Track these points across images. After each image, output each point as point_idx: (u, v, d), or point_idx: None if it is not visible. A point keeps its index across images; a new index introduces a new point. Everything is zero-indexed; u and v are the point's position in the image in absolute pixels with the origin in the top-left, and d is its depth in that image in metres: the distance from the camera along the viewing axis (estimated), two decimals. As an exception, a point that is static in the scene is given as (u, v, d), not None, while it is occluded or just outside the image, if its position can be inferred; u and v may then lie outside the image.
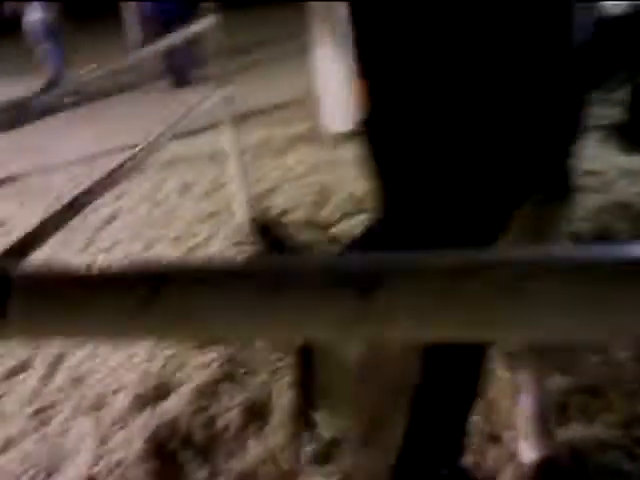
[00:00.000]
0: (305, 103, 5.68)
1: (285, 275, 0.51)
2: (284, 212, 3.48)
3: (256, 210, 3.43)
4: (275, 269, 0.52)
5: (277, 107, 5.86)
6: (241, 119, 3.36)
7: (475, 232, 1.03)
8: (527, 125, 1.08)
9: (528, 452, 1.65)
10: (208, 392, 2.11)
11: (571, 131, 1.20)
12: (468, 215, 1.03)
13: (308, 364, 1.06)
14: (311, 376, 1.05)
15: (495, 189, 1.03)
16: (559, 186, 1.29)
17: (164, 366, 2.29)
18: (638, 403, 1.84)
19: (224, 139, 3.30)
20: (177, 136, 2.72)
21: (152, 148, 2.37)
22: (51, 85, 6.90)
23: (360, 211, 3.28)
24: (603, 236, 2.71)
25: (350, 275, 0.49)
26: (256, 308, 0.47)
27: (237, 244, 3.14)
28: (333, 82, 4.68)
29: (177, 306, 0.46)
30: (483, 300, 0.47)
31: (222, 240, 3.23)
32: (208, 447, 1.90)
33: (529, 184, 1.17)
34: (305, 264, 0.51)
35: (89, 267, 0.47)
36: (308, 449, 1.82)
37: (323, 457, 1.78)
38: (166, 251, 3.25)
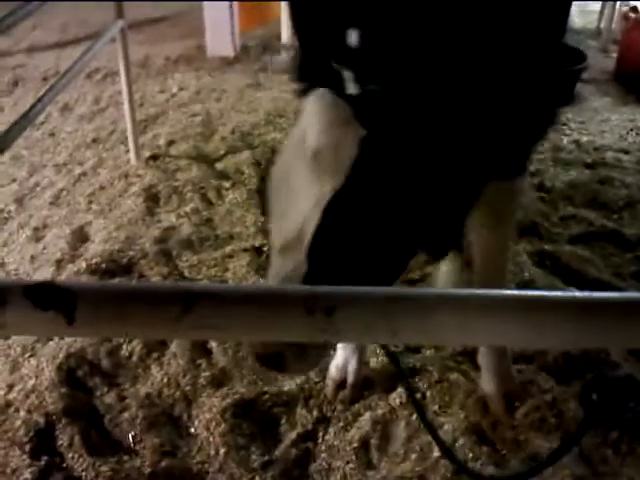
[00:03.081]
0: (185, 18, 5.60)
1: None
2: (170, 143, 3.59)
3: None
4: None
5: (154, 21, 5.71)
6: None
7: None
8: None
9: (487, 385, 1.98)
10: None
11: None
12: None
13: None
14: None
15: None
16: None
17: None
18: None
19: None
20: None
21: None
22: None
23: (246, 146, 3.46)
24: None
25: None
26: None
27: (124, 176, 3.25)
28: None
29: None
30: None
31: (110, 170, 3.31)
32: (114, 373, 2.14)
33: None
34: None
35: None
36: (206, 374, 2.11)
37: (218, 381, 2.09)
38: (53, 178, 3.29)
